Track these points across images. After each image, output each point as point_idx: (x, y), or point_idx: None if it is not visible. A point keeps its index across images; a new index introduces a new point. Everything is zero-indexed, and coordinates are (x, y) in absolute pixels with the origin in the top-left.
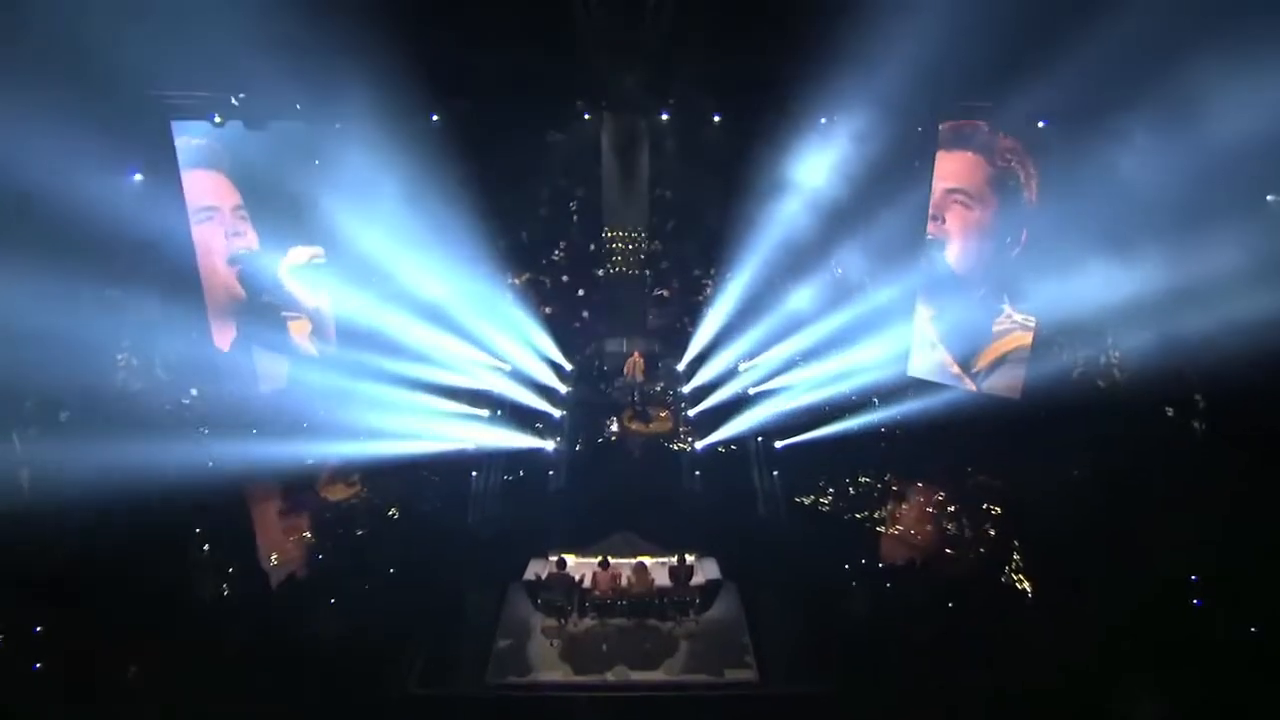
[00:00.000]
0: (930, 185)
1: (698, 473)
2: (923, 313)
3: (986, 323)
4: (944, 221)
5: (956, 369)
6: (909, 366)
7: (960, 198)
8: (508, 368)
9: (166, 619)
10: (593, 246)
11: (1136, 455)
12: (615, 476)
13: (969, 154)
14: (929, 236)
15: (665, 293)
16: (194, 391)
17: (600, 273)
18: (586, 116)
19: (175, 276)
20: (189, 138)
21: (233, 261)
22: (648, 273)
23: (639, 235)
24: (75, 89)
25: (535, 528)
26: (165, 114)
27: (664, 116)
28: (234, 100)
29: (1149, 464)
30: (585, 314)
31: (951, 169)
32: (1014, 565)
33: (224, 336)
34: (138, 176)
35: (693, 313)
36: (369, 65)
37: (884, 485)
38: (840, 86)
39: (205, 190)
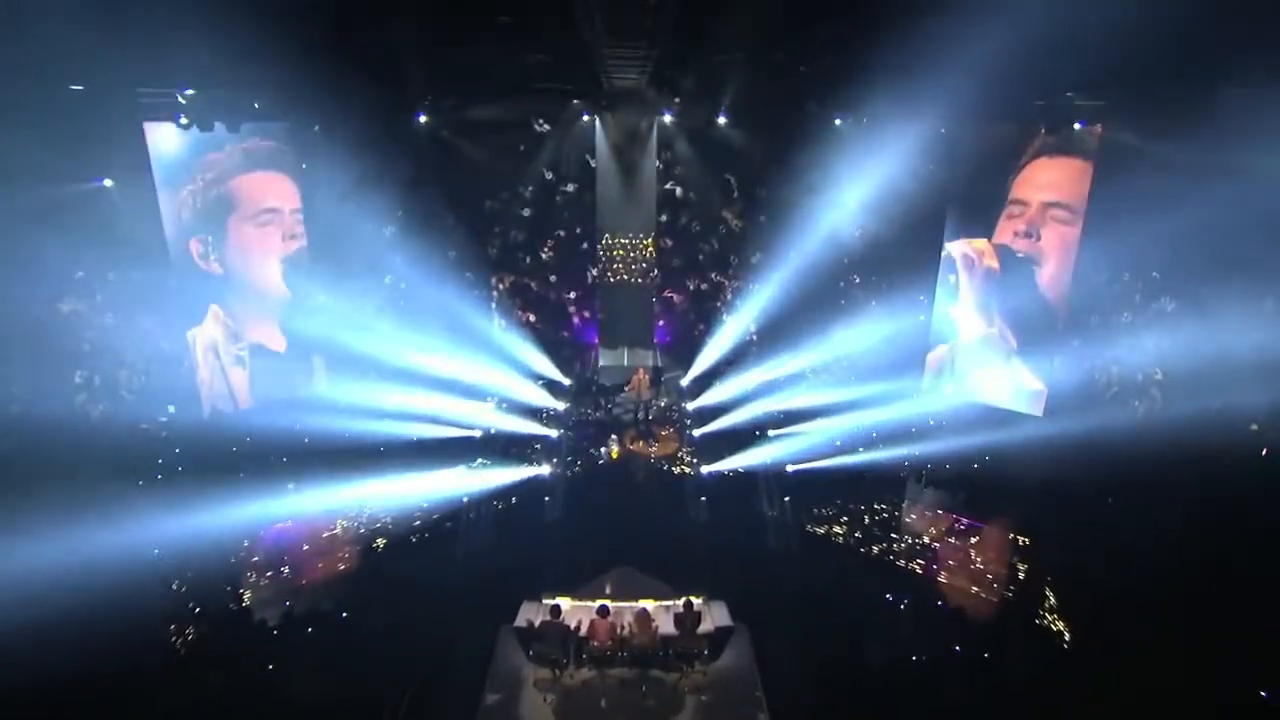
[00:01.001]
0: (1005, 194)
1: (704, 499)
2: (1004, 335)
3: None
4: (1039, 239)
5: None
6: (974, 391)
7: (1061, 212)
8: (495, 399)
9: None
10: (585, 245)
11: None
12: (616, 502)
13: (1076, 160)
14: (1017, 254)
15: (674, 297)
16: (171, 409)
17: (598, 279)
18: (585, 117)
19: (147, 284)
20: (257, 140)
21: (286, 262)
22: (654, 278)
23: (643, 240)
24: (34, 88)
25: (529, 559)
26: (136, 115)
27: (668, 117)
28: (182, 98)
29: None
30: (576, 322)
31: (1051, 178)
32: (1049, 609)
33: (273, 337)
34: (107, 181)
35: (703, 323)
36: (351, 62)
37: (906, 516)
38: (871, 81)
39: (269, 192)
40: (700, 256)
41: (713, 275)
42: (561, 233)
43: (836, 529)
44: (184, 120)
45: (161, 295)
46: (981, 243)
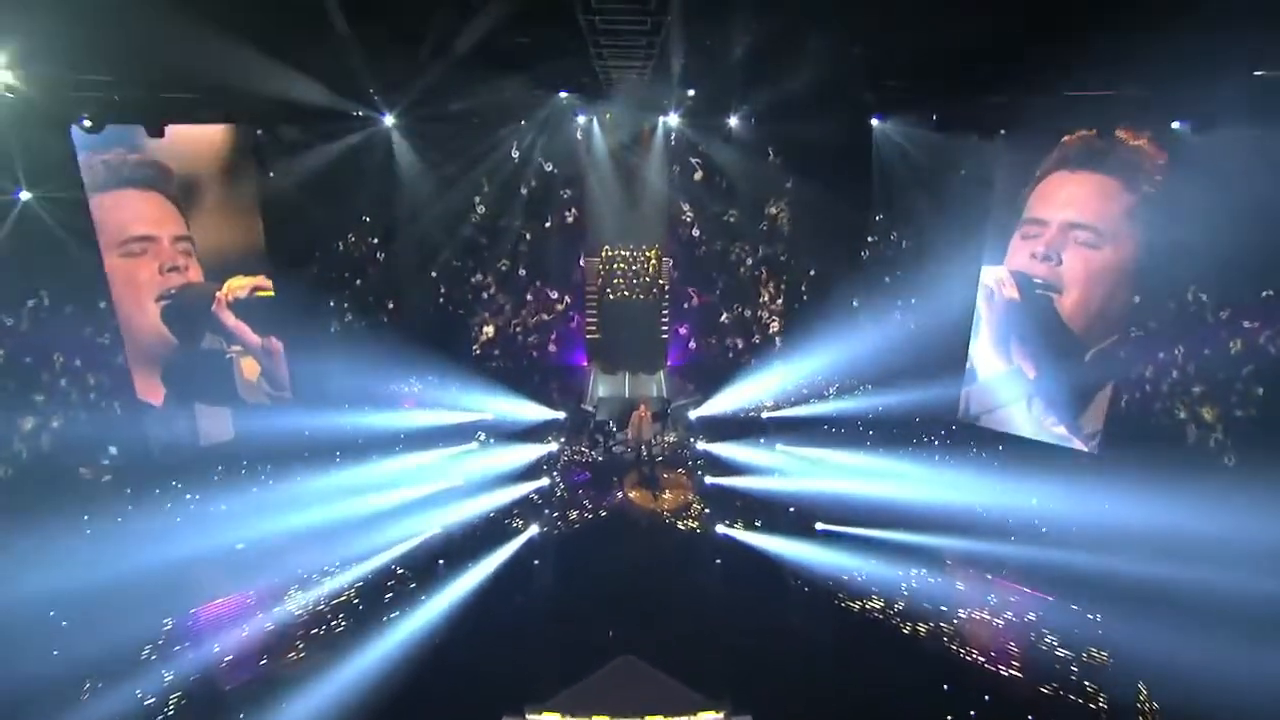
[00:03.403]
0: (1023, 209)
1: (719, 560)
2: (1022, 367)
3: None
4: (1059, 263)
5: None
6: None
7: (1085, 235)
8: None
9: None
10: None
11: None
12: (616, 568)
13: (1100, 176)
14: (1035, 281)
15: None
16: (113, 450)
17: (594, 295)
18: (580, 118)
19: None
20: (119, 150)
21: (163, 299)
22: (657, 293)
23: (645, 252)
24: None
25: (515, 642)
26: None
27: (674, 118)
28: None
29: None
30: (565, 344)
31: (1073, 195)
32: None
33: (152, 390)
34: (24, 194)
35: (718, 349)
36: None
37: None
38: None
39: (137, 216)
40: (720, 274)
41: (737, 306)
42: (550, 243)
43: (874, 603)
44: (88, 123)
45: None
46: (1001, 271)
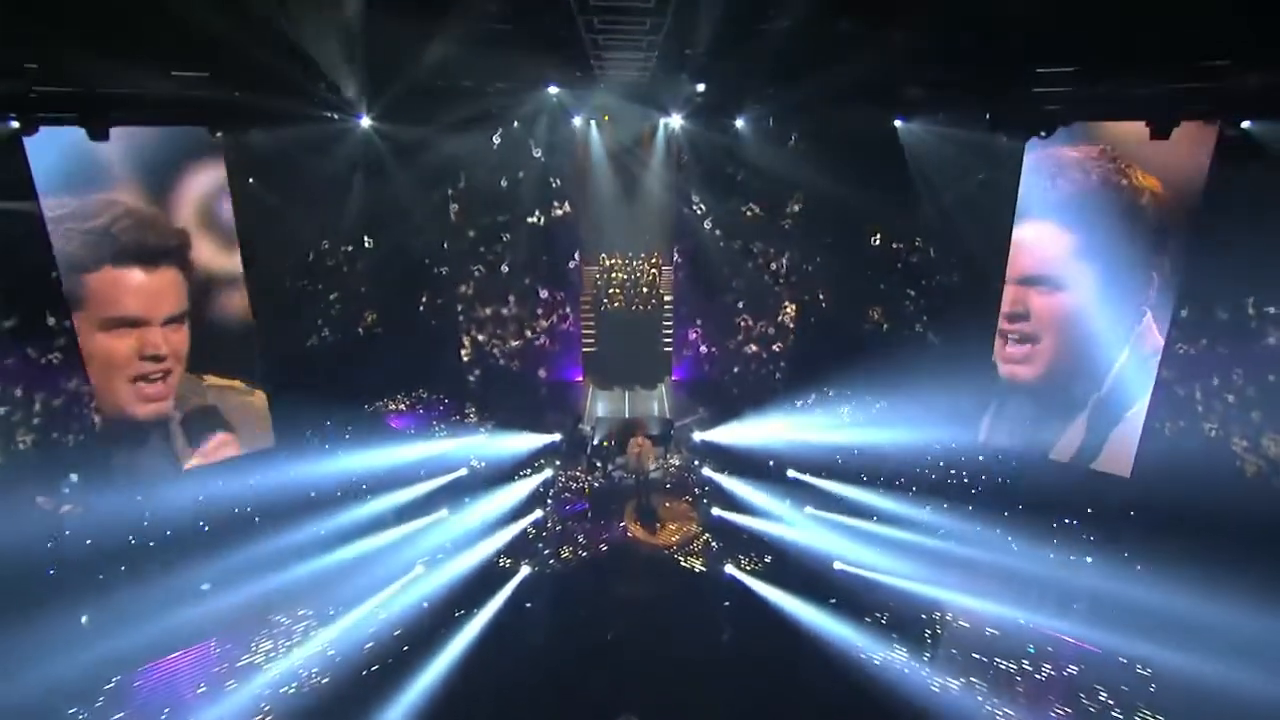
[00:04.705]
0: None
1: (727, 603)
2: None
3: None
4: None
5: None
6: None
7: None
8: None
9: None
10: (572, 265)
11: None
12: (615, 610)
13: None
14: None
15: (696, 329)
16: (73, 478)
17: (590, 306)
18: (576, 120)
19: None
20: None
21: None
22: (657, 304)
23: (646, 261)
24: None
25: (507, 701)
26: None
27: (678, 119)
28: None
29: None
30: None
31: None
32: None
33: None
34: None
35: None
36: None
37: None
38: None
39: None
40: (734, 277)
41: (749, 320)
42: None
43: (899, 654)
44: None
45: None
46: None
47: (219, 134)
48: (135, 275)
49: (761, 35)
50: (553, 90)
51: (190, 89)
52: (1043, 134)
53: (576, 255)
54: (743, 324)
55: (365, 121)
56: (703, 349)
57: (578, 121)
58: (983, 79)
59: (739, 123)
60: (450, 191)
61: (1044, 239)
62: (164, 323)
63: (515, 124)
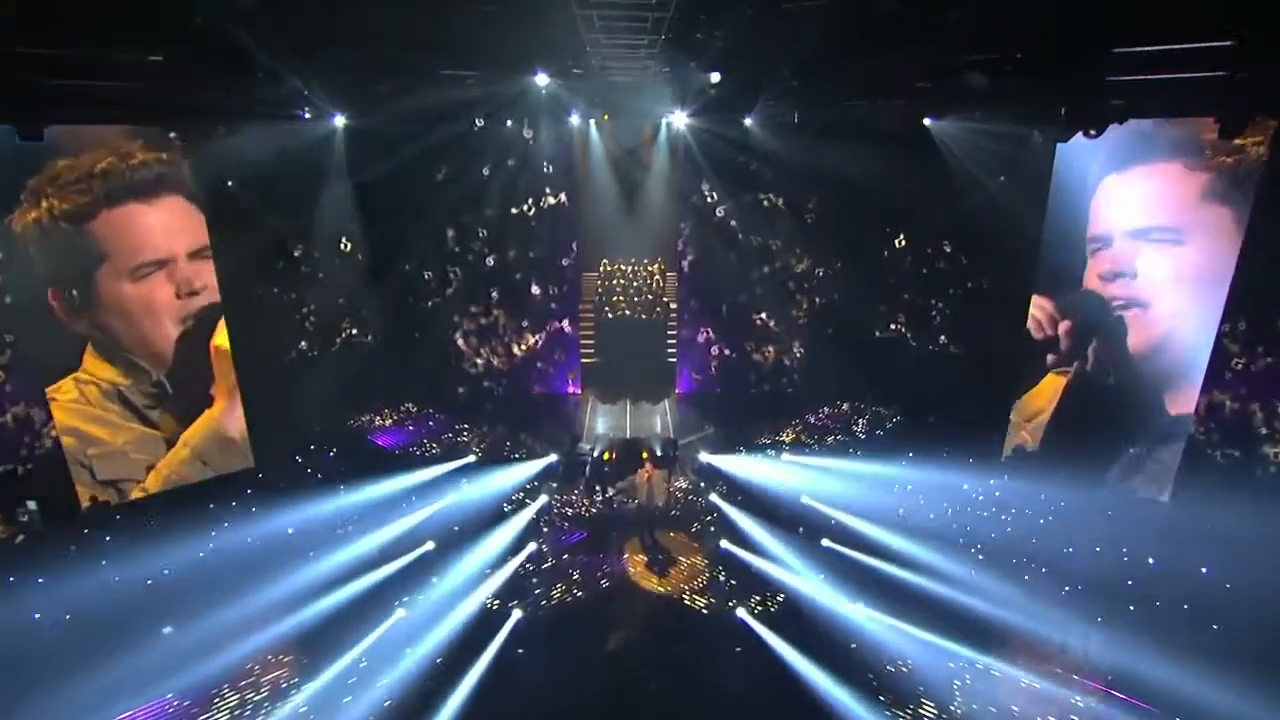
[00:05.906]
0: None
1: (739, 649)
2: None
3: None
4: (1135, 276)
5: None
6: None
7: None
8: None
9: None
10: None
11: None
12: (616, 657)
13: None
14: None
15: (703, 334)
16: (31, 505)
17: (589, 314)
18: (574, 120)
19: None
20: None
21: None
22: (661, 311)
23: (648, 266)
24: None
25: None
26: None
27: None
28: None
29: None
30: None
31: (1140, 195)
32: None
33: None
34: None
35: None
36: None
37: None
38: None
39: (147, 232)
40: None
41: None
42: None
43: (925, 710)
44: None
45: None
46: (1046, 303)
47: (173, 134)
48: (139, 211)
49: (789, 15)
50: (541, 80)
51: (140, 81)
52: (1092, 133)
53: (574, 247)
54: (757, 322)
55: (340, 120)
56: (713, 351)
57: (575, 120)
58: (1052, 65)
59: (747, 121)
60: (432, 184)
61: (1170, 178)
62: (189, 256)
63: (502, 113)
